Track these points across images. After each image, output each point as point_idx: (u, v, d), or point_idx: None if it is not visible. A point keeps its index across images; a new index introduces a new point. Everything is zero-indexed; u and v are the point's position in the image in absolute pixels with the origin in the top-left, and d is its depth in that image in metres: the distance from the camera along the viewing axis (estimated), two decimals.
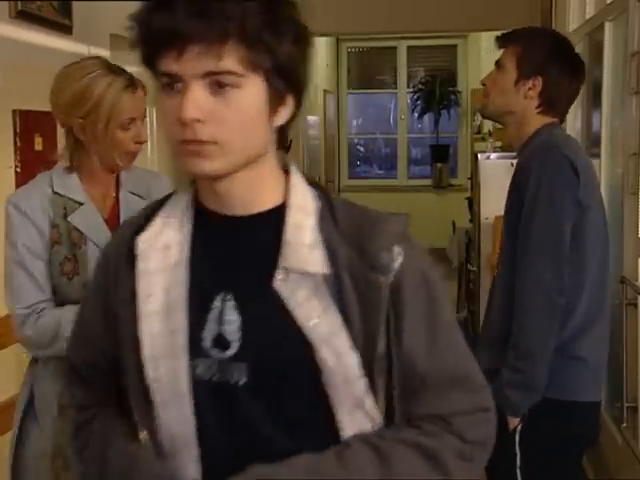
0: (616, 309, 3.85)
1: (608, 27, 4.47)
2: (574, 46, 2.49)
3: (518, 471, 2.27)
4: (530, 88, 2.32)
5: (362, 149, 12.28)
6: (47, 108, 3.67)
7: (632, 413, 3.70)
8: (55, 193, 2.22)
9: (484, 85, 2.42)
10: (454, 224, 8.00)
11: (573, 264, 2.23)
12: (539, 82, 2.32)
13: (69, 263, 2.18)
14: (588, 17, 5.02)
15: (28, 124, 3.48)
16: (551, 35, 2.49)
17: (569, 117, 5.55)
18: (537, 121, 2.35)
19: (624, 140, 3.92)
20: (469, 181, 9.25)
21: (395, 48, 11.66)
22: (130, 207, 2.26)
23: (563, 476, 2.35)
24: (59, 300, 2.19)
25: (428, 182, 11.36)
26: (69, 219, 2.20)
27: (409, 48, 11.64)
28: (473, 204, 6.81)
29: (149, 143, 5.07)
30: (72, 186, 2.23)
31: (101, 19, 4.32)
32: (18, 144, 3.41)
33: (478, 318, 6.08)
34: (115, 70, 2.20)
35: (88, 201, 2.24)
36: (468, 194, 8.96)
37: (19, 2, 3.44)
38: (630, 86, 3.78)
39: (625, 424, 3.72)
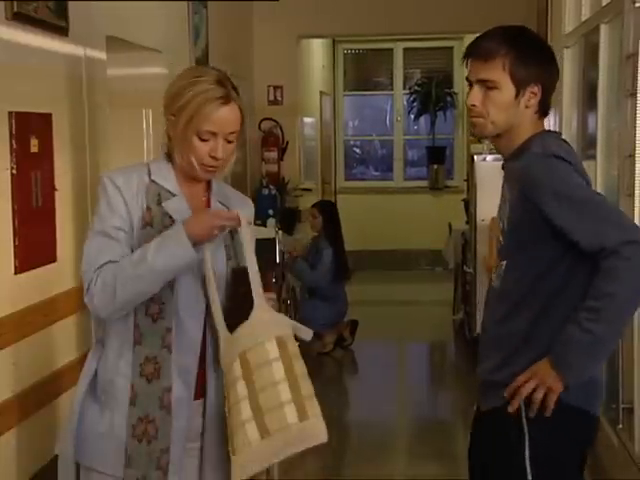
0: None
1: (604, 29, 4.48)
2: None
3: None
4: (530, 97, 2.23)
5: (358, 151, 12.28)
6: (43, 110, 3.67)
7: (628, 414, 3.71)
8: (152, 181, 2.25)
9: (473, 107, 2.25)
10: (450, 226, 8.01)
11: (584, 269, 2.19)
12: (539, 88, 2.23)
13: None
14: (584, 19, 5.03)
15: (24, 126, 3.48)
16: (526, 33, 2.32)
17: (564, 119, 5.57)
18: (532, 126, 2.27)
19: (620, 142, 3.93)
20: (465, 183, 9.26)
21: (391, 50, 11.66)
22: None
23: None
24: None
25: (424, 184, 11.36)
26: (163, 205, 2.23)
27: (405, 50, 11.65)
28: (469, 206, 6.82)
29: (145, 142, 5.07)
30: (168, 177, 2.26)
31: (97, 21, 4.31)
32: (14, 146, 3.40)
33: (475, 319, 6.09)
34: (222, 82, 2.22)
35: (181, 194, 2.26)
36: (464, 196, 8.97)
37: (15, 3, 3.43)
38: (625, 88, 3.79)
39: (621, 425, 3.73)
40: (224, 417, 2.18)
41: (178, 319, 2.21)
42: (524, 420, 2.22)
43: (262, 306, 2.19)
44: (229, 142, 2.22)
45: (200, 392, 2.26)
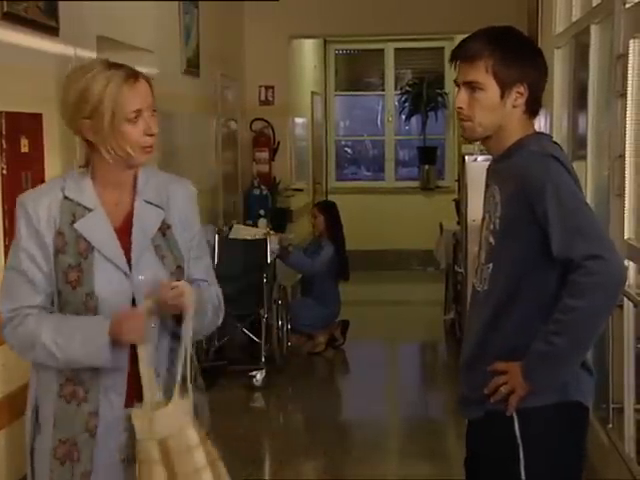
0: None
1: (594, 30, 4.48)
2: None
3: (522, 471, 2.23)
4: (517, 97, 2.22)
5: (350, 151, 12.28)
6: (33, 110, 3.67)
7: (618, 414, 3.71)
8: (65, 198, 2.15)
9: (460, 109, 2.24)
10: (441, 226, 8.01)
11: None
12: (525, 88, 2.22)
13: (73, 272, 2.12)
14: (574, 20, 5.04)
15: (14, 126, 3.47)
16: (511, 33, 2.30)
17: (555, 119, 5.58)
18: (521, 126, 2.26)
19: (610, 142, 3.94)
20: (456, 183, 9.26)
21: (382, 50, 11.67)
22: (144, 216, 2.20)
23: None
24: (62, 308, 2.15)
25: (416, 184, 11.37)
26: (76, 225, 2.13)
27: (396, 50, 11.65)
28: (460, 206, 6.82)
29: None
30: (84, 190, 2.17)
31: (88, 21, 4.31)
32: (4, 146, 3.39)
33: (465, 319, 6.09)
34: (114, 65, 2.16)
35: (99, 207, 2.16)
36: (455, 196, 8.96)
37: (5, 3, 3.43)
38: (616, 88, 3.80)
39: (611, 425, 3.74)
40: None
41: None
42: (516, 425, 2.21)
43: (181, 390, 2.12)
44: (152, 116, 2.16)
45: (135, 397, 2.17)
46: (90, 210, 2.16)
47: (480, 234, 2.35)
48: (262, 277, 6.11)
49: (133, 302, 2.15)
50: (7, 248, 3.39)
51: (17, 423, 3.46)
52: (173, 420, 2.09)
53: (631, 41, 3.63)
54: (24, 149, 3.56)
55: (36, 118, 3.70)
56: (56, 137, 3.90)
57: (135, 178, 2.23)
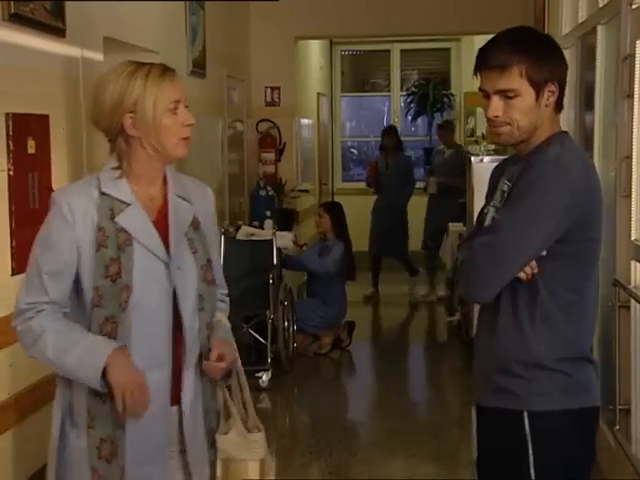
0: (609, 312, 3.86)
1: (600, 30, 4.48)
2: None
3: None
4: (549, 95, 2.24)
5: (355, 152, 12.28)
6: (40, 111, 3.67)
7: (625, 416, 3.71)
8: (102, 194, 2.20)
9: (496, 117, 2.22)
10: (447, 227, 8.00)
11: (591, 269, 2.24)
12: (556, 86, 2.24)
13: (115, 264, 2.16)
14: (581, 20, 5.03)
15: (21, 127, 3.48)
16: (533, 35, 2.33)
17: (562, 120, 5.57)
18: (550, 122, 2.28)
19: (617, 143, 3.93)
20: None
21: (388, 51, 11.67)
22: (178, 210, 2.26)
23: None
24: (96, 305, 2.17)
25: (422, 185, 11.35)
26: (116, 220, 2.18)
27: (402, 51, 11.66)
28: (466, 207, 6.82)
29: None
30: (120, 186, 2.22)
31: (94, 22, 4.31)
32: (11, 147, 3.40)
33: (471, 321, 6.08)
34: (145, 63, 2.25)
35: (135, 202, 2.22)
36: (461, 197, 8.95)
37: (12, 4, 3.43)
38: (622, 89, 3.79)
39: (618, 427, 3.73)
40: (203, 419, 2.27)
41: (137, 335, 2.19)
42: (526, 424, 2.22)
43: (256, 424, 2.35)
44: (187, 108, 2.25)
45: (176, 398, 2.24)
46: (128, 205, 2.21)
47: (481, 226, 2.36)
48: (268, 278, 6.11)
49: (174, 294, 2.21)
50: (14, 250, 3.41)
51: (22, 425, 3.47)
52: (263, 445, 2.34)
53: (638, 42, 3.63)
54: (31, 150, 3.56)
55: (43, 119, 3.71)
56: (62, 138, 3.91)
57: (164, 174, 2.30)
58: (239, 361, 2.37)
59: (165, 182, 2.29)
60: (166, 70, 2.23)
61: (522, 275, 2.18)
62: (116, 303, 2.15)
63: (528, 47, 2.23)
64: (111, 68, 2.26)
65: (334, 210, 7.06)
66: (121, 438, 2.18)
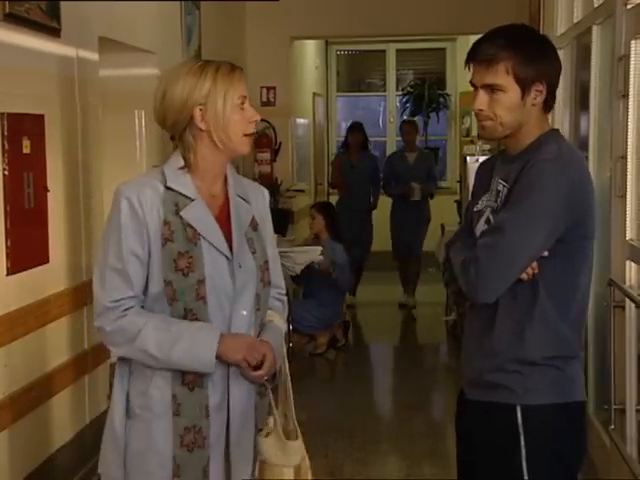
0: (604, 311, 3.87)
1: (596, 30, 4.48)
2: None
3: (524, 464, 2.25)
4: (536, 95, 2.25)
5: None
6: (35, 111, 3.67)
7: (620, 415, 3.71)
8: (167, 188, 2.23)
9: (480, 111, 2.26)
10: (443, 227, 8.01)
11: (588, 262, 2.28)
12: (544, 85, 2.25)
13: (183, 259, 2.19)
14: (576, 20, 5.04)
15: (16, 127, 3.47)
16: (526, 32, 2.34)
17: (557, 120, 5.58)
18: (538, 122, 2.29)
19: (612, 143, 3.93)
20: (458, 184, 9.27)
21: (384, 51, 11.68)
22: (239, 208, 2.31)
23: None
24: (172, 299, 2.20)
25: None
26: (182, 213, 2.21)
27: (398, 51, 11.67)
28: (462, 207, 6.82)
29: (137, 144, 5.07)
30: (184, 182, 2.25)
31: (89, 22, 4.31)
32: (6, 147, 3.39)
33: None
34: (212, 61, 2.29)
35: (199, 198, 2.25)
36: (457, 197, 8.96)
37: (7, 4, 3.43)
38: (617, 89, 3.79)
39: (613, 426, 3.73)
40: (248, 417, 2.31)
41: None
42: (519, 417, 2.24)
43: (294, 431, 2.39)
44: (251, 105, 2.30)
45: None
46: (191, 200, 2.23)
47: (471, 224, 2.37)
48: None
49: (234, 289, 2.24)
50: (9, 250, 3.40)
51: (18, 425, 3.46)
52: (301, 451, 2.37)
53: (633, 42, 3.63)
54: (26, 150, 3.56)
55: (38, 119, 3.70)
56: (58, 138, 3.90)
57: (225, 173, 2.34)
58: (286, 363, 2.40)
59: (226, 181, 2.33)
60: (234, 67, 2.27)
61: (523, 276, 2.20)
62: (192, 296, 2.19)
63: (518, 44, 2.24)
64: (176, 66, 2.29)
65: (327, 210, 7.06)
66: (207, 426, 2.22)
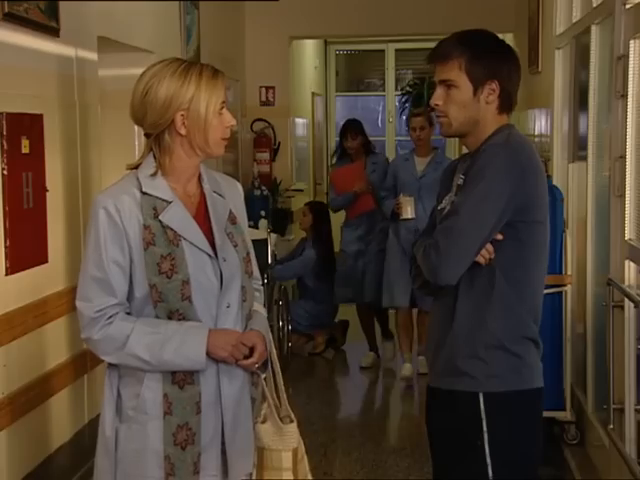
0: (603, 311, 3.87)
1: (595, 30, 4.49)
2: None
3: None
4: (489, 93, 2.34)
5: None
6: (34, 110, 3.67)
7: (618, 415, 3.71)
8: (144, 194, 2.23)
9: (436, 105, 2.38)
10: None
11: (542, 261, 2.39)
12: (496, 84, 2.34)
13: (166, 261, 2.20)
14: (575, 20, 5.04)
15: (15, 127, 3.47)
16: (481, 34, 2.43)
17: (556, 120, 5.58)
18: (496, 121, 2.37)
19: (611, 143, 3.93)
20: None
21: (383, 51, 11.68)
22: (216, 205, 2.32)
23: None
24: (157, 301, 2.21)
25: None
26: (160, 218, 2.21)
27: (397, 51, 11.67)
28: None
29: (136, 143, 5.07)
30: (159, 186, 2.25)
31: (88, 21, 4.31)
32: (5, 147, 3.39)
33: None
34: (194, 62, 2.29)
35: (176, 199, 2.26)
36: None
37: (5, 4, 3.43)
38: (616, 89, 3.79)
39: (612, 426, 3.73)
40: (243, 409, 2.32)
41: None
42: (482, 406, 2.32)
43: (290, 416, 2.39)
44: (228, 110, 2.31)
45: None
46: (169, 202, 2.24)
47: (435, 224, 2.43)
48: (262, 278, 6.08)
49: (221, 284, 2.27)
50: (8, 250, 3.40)
51: (16, 425, 3.46)
52: (297, 434, 2.38)
53: (631, 42, 3.63)
54: (25, 150, 3.55)
55: (37, 119, 3.70)
56: (57, 138, 3.90)
57: (199, 173, 2.35)
58: (274, 349, 2.43)
59: (200, 179, 2.34)
60: (217, 72, 2.28)
61: (480, 259, 2.29)
62: (177, 297, 2.20)
63: (471, 43, 2.36)
64: (158, 65, 2.26)
65: (316, 209, 7.04)
66: (196, 423, 2.23)
